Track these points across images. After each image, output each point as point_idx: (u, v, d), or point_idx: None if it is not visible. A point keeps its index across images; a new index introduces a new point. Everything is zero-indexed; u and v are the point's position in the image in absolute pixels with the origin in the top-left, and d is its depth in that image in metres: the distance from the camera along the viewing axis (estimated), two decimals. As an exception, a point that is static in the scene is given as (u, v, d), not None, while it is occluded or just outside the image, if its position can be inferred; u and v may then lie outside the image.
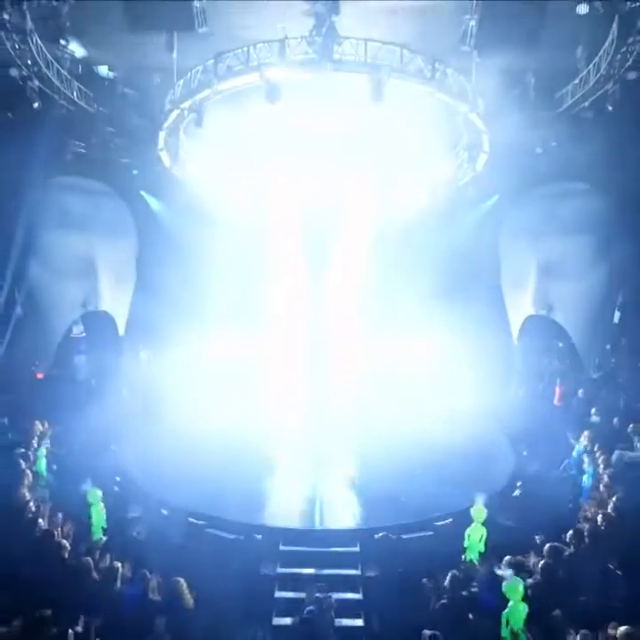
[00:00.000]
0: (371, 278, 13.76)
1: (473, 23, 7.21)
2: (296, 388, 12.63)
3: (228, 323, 14.06)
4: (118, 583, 5.36)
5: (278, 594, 6.05)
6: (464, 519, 6.51)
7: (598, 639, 4.69)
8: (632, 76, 8.57)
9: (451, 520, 6.77)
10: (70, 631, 4.55)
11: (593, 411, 10.72)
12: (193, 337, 14.34)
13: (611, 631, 4.67)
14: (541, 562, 5.52)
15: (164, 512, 6.99)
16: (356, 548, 6.58)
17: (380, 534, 6.32)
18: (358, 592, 6.09)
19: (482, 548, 6.24)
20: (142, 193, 14.28)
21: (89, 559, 5.56)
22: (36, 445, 8.70)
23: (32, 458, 8.26)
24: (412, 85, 9.29)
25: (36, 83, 9.12)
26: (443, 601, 5.03)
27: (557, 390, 11.98)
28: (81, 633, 4.76)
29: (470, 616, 5.11)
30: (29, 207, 12.66)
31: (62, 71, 9.56)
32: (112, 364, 14.15)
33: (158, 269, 14.11)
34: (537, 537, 6.36)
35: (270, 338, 14.25)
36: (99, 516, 6.57)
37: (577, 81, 9.83)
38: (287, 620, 5.59)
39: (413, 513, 6.93)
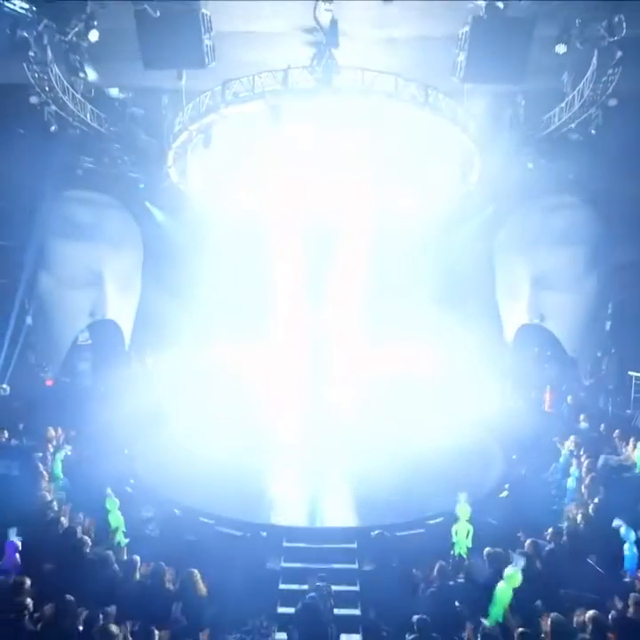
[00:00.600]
0: (370, 288, 14.43)
1: (461, 58, 7.86)
2: (298, 394, 13.25)
3: (231, 329, 14.70)
4: (137, 574, 5.98)
5: (282, 586, 6.66)
6: (453, 517, 7.12)
7: (569, 622, 5.28)
8: (613, 102, 9.24)
9: (441, 519, 7.38)
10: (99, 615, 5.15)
11: (582, 417, 11.32)
12: (197, 343, 14.98)
13: (579, 616, 5.29)
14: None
15: (177, 511, 7.61)
16: (354, 545, 7.21)
17: (376, 532, 6.92)
18: (356, 584, 6.71)
19: (469, 543, 6.85)
20: (147, 205, 14.96)
21: (110, 552, 6.20)
22: (51, 450, 9.35)
23: (49, 461, 8.88)
24: (406, 110, 10.06)
25: (53, 107, 9.77)
26: (431, 589, 5.65)
27: (547, 397, 12.60)
28: (104, 618, 5.38)
29: (457, 603, 5.74)
30: (40, 220, 13.37)
31: (76, 95, 10.24)
32: (117, 370, 14.76)
33: (162, 278, 14.85)
34: (520, 534, 6.96)
35: (273, 345, 14.90)
36: (117, 520, 7.19)
37: (563, 104, 10.51)
38: (290, 609, 6.18)
39: (407, 512, 7.57)
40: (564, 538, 6.86)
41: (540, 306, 14.69)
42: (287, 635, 5.75)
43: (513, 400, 13.30)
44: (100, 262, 14.35)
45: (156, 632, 4.80)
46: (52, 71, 8.82)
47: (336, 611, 6.01)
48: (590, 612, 5.16)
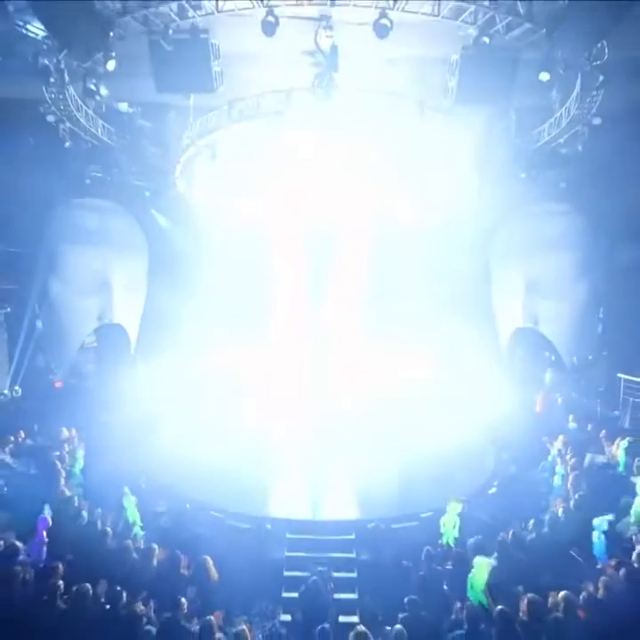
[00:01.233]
0: (369, 293, 15.16)
1: (452, 83, 8.53)
2: (298, 395, 13.94)
3: (233, 331, 15.40)
4: (154, 561, 6.68)
5: (286, 573, 7.38)
6: (444, 512, 7.83)
7: (544, 602, 5.97)
8: (597, 121, 9.92)
9: (433, 513, 8.09)
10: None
11: (570, 417, 12.02)
12: (200, 346, 15.67)
13: (553, 597, 5.98)
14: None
15: (188, 506, 8.32)
16: (352, 536, 7.93)
17: (373, 524, 7.64)
18: (353, 572, 7.43)
19: (456, 533, 7.56)
20: (153, 212, 15.66)
21: (129, 542, 6.90)
22: (67, 449, 10.06)
23: (66, 459, 9.59)
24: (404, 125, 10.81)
25: (68, 124, 10.45)
26: (420, 573, 6.36)
27: (539, 398, 13.29)
28: (125, 601, 6.07)
29: (444, 586, 6.45)
30: (50, 227, 14.08)
31: (89, 112, 10.91)
32: (122, 372, 15.44)
33: (167, 283, 15.56)
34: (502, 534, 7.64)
35: (274, 347, 15.62)
36: (134, 516, 7.92)
37: (552, 120, 11.17)
38: (294, 594, 6.89)
39: (401, 507, 8.29)
40: (545, 529, 7.57)
41: (535, 310, 15.42)
42: (291, 616, 6.46)
43: (507, 401, 13.99)
44: (107, 268, 15.07)
45: (183, 600, 5.48)
46: (68, 91, 9.49)
47: (335, 595, 6.75)
48: (562, 593, 5.85)
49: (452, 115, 10.69)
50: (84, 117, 10.78)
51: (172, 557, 6.61)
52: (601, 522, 7.33)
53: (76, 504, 7.95)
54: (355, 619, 6.79)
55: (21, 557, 6.74)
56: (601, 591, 6.15)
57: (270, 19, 6.94)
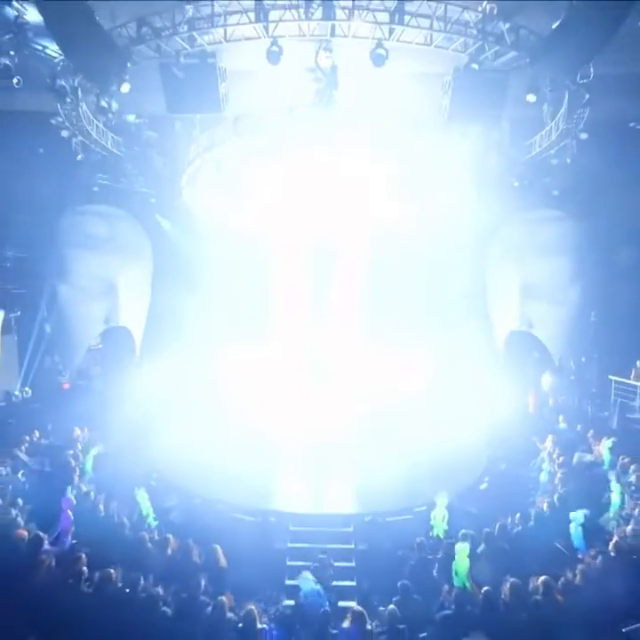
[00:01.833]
0: (368, 298, 15.81)
1: (446, 102, 9.16)
2: (300, 396, 14.59)
3: (235, 335, 16.05)
4: (169, 550, 7.34)
5: (289, 563, 8.02)
6: (435, 506, 8.50)
7: (526, 586, 6.63)
8: (584, 136, 10.57)
9: (426, 507, 8.74)
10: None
11: (560, 418, 12.67)
12: (203, 348, 16.31)
13: (534, 582, 6.63)
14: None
15: (197, 501, 8.99)
16: (350, 529, 8.60)
17: (369, 517, 8.30)
18: (351, 561, 8.08)
19: (445, 526, 8.19)
20: (158, 217, 16.29)
21: (144, 533, 7.56)
22: (80, 447, 10.72)
23: (80, 457, 10.25)
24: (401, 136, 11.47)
25: (80, 138, 11.08)
26: (412, 561, 7.01)
27: (531, 399, 13.93)
28: (143, 585, 6.73)
29: (434, 573, 7.11)
30: (59, 234, 14.71)
31: (99, 125, 11.56)
32: (126, 373, 16.06)
33: (171, 287, 16.21)
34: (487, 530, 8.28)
35: (275, 348, 16.28)
36: (147, 509, 8.60)
37: (543, 132, 11.82)
38: (295, 582, 7.54)
39: (396, 501, 8.96)
40: (531, 522, 8.23)
41: (529, 313, 16.05)
42: (294, 601, 7.11)
43: (502, 401, 14.62)
44: (113, 272, 15.66)
45: (202, 582, 6.16)
46: (81, 108, 10.13)
47: (335, 582, 7.41)
48: (542, 578, 6.51)
49: (449, 124, 11.32)
50: (95, 131, 11.43)
51: (185, 547, 7.27)
52: (577, 515, 7.97)
53: (93, 498, 8.62)
54: (353, 604, 7.42)
55: (45, 547, 7.42)
56: (578, 577, 6.81)
57: (275, 48, 7.57)
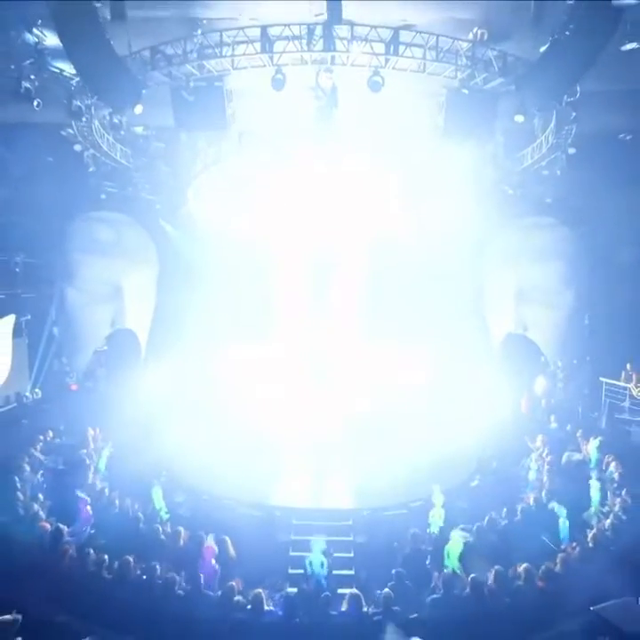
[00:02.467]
0: (368, 302, 16.53)
1: (440, 121, 9.84)
2: (301, 396, 15.30)
3: (237, 337, 16.75)
4: (181, 542, 8.05)
5: (292, 553, 8.75)
6: (430, 501, 9.21)
7: (507, 574, 7.33)
8: (572, 151, 11.26)
9: (421, 502, 9.47)
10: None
11: (552, 418, 13.38)
12: (205, 350, 17.00)
13: (516, 569, 7.34)
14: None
15: (205, 497, 9.71)
16: (350, 522, 9.33)
17: (368, 512, 9.02)
18: (350, 552, 8.81)
19: (441, 523, 8.89)
20: (161, 222, 16.98)
21: (158, 526, 8.28)
22: (92, 446, 11.43)
23: (93, 456, 10.97)
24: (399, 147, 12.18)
25: (91, 151, 11.77)
26: (406, 551, 7.73)
27: (524, 400, 14.64)
28: (157, 573, 7.44)
29: (427, 563, 7.83)
30: (67, 239, 15.42)
31: (110, 138, 12.24)
32: (133, 374, 16.73)
33: (175, 290, 16.92)
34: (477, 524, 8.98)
35: (277, 350, 16.98)
36: (160, 504, 9.34)
37: (535, 145, 12.50)
38: (299, 570, 8.26)
39: (393, 497, 9.70)
40: (518, 516, 8.94)
41: (524, 317, 16.77)
42: (297, 588, 7.81)
43: (496, 402, 15.32)
44: (119, 276, 16.39)
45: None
46: (94, 124, 10.82)
47: (335, 571, 8.13)
48: (524, 565, 7.23)
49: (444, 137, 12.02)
50: (106, 144, 12.12)
51: (196, 538, 7.98)
52: (559, 509, 8.69)
53: (108, 494, 9.33)
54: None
55: (66, 538, 8.13)
56: (558, 566, 7.52)
57: (279, 76, 8.26)
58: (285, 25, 8.08)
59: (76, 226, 15.47)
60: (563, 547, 8.46)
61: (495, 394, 15.41)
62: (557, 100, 9.20)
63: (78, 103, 9.52)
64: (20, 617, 5.06)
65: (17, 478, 9.32)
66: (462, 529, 8.36)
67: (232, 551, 7.86)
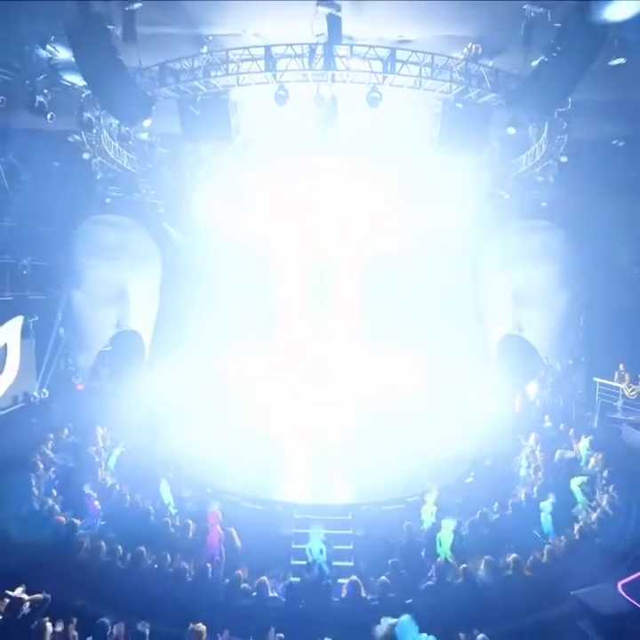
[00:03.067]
0: (368, 304, 17.08)
1: (435, 132, 10.34)
2: (301, 395, 15.84)
3: (238, 338, 17.31)
4: (190, 534, 8.61)
5: (294, 546, 9.31)
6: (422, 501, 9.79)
7: (497, 564, 7.88)
8: (564, 159, 11.78)
9: (417, 498, 10.01)
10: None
11: (546, 417, 13.91)
12: (209, 349, 17.54)
13: (505, 558, 7.89)
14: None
15: (210, 491, 10.26)
16: (349, 517, 9.91)
17: (366, 506, 9.57)
18: (350, 545, 9.39)
19: (433, 519, 9.40)
20: (165, 225, 17.50)
21: (168, 519, 8.83)
22: (101, 444, 11.98)
23: (102, 453, 11.51)
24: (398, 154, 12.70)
25: (99, 158, 12.29)
26: (402, 543, 8.28)
27: (518, 399, 15.17)
28: (170, 561, 7.99)
29: (422, 553, 8.38)
30: (74, 242, 15.93)
31: (116, 145, 12.75)
32: (138, 373, 17.27)
33: (178, 292, 17.46)
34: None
35: (278, 350, 17.54)
36: (169, 499, 9.91)
37: (529, 152, 13.01)
38: (301, 561, 8.81)
39: (390, 492, 10.26)
40: (509, 511, 9.49)
41: (520, 318, 17.30)
42: (300, 578, 8.36)
43: (492, 401, 15.86)
44: (124, 278, 16.89)
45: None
46: (102, 134, 11.34)
47: (335, 562, 8.68)
48: (512, 555, 7.80)
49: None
50: (113, 151, 12.62)
51: (203, 530, 8.53)
52: (545, 505, 9.24)
53: (118, 489, 9.89)
54: (351, 580, 8.72)
55: (79, 531, 8.69)
56: (545, 556, 8.08)
57: (281, 92, 8.78)
58: (288, 45, 8.58)
59: (81, 229, 15.96)
60: (551, 539, 9.02)
61: (492, 394, 15.99)
62: (547, 115, 9.70)
63: (88, 115, 10.03)
64: (49, 596, 5.61)
65: (32, 475, 9.85)
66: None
67: (238, 542, 8.40)
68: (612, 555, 8.09)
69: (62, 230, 15.59)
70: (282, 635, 5.95)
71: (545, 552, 8.09)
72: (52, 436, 12.11)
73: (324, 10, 8.07)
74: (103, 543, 8.00)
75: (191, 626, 5.55)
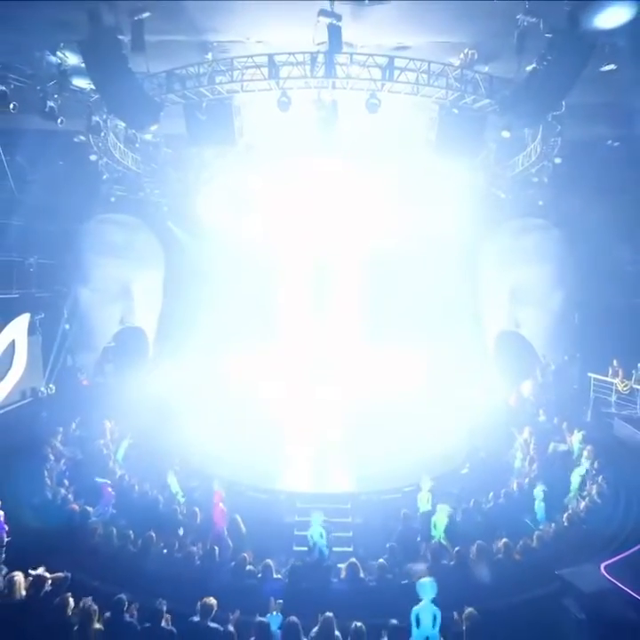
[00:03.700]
0: (367, 303, 17.55)
1: (432, 137, 10.77)
2: (303, 389, 16.32)
3: (239, 337, 17.78)
4: (198, 520, 9.10)
5: (296, 533, 9.81)
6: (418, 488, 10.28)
7: (490, 549, 8.37)
8: (558, 160, 12.22)
9: (413, 487, 10.50)
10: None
11: (540, 411, 14.40)
12: (212, 345, 18.01)
13: (496, 543, 8.38)
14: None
15: (216, 481, 10.72)
16: (348, 505, 10.42)
17: (365, 496, 10.07)
18: (349, 532, 9.90)
19: (429, 506, 9.91)
20: (169, 224, 17.95)
21: (176, 507, 9.33)
22: (109, 437, 12.47)
23: (110, 446, 12.01)
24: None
25: (105, 159, 12.73)
26: (399, 528, 8.78)
27: (513, 394, 15.65)
28: (177, 546, 8.48)
29: (418, 538, 8.88)
30: (80, 241, 16.38)
31: (121, 146, 13.20)
32: (142, 369, 17.73)
33: (181, 289, 17.94)
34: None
35: (280, 346, 18.02)
36: (176, 488, 10.41)
37: (525, 153, 13.45)
38: (302, 548, 9.30)
39: (388, 482, 10.77)
40: (501, 500, 9.98)
41: (517, 315, 17.78)
42: (302, 562, 8.85)
43: (488, 395, 16.32)
44: (129, 276, 17.38)
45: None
46: (109, 138, 11.78)
47: (336, 548, 9.17)
48: (503, 540, 8.28)
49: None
50: (118, 152, 13.07)
51: (210, 515, 9.03)
52: (537, 492, 9.74)
53: (128, 480, 10.38)
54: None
55: (92, 518, 9.17)
56: (534, 542, 8.57)
57: (284, 99, 9.22)
58: (290, 53, 9.02)
59: (87, 228, 16.42)
60: (541, 526, 9.51)
61: (488, 388, 16.47)
62: (540, 121, 10.14)
63: (97, 119, 10.47)
64: (69, 575, 6.09)
65: (44, 466, 10.34)
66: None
67: (243, 528, 8.90)
68: (598, 540, 8.59)
69: (68, 229, 16.03)
70: (281, 601, 6.45)
71: (534, 537, 8.57)
72: (60, 429, 12.60)
73: (325, 20, 8.51)
74: (114, 529, 8.50)
75: (202, 599, 6.03)
